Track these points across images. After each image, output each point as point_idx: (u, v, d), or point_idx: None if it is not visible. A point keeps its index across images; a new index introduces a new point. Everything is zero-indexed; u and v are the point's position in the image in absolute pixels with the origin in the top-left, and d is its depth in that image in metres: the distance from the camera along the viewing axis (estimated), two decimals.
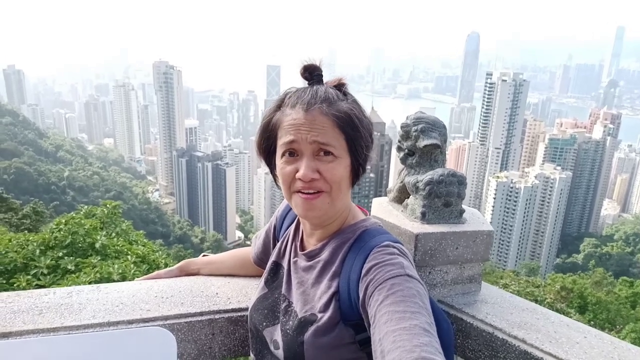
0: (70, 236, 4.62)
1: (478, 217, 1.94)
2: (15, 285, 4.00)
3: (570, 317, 12.26)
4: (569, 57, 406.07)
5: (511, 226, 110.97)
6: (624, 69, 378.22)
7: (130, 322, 1.57)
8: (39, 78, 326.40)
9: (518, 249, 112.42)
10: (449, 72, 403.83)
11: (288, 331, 1.33)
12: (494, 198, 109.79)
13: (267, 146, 1.36)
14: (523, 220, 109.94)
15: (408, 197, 1.96)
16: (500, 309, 1.76)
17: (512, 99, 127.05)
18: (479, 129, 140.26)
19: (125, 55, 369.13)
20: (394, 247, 1.24)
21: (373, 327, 1.07)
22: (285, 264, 1.49)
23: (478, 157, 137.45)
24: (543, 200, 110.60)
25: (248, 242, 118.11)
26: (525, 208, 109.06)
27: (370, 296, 1.14)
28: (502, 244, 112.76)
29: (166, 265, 5.40)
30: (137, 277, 4.44)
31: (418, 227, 1.78)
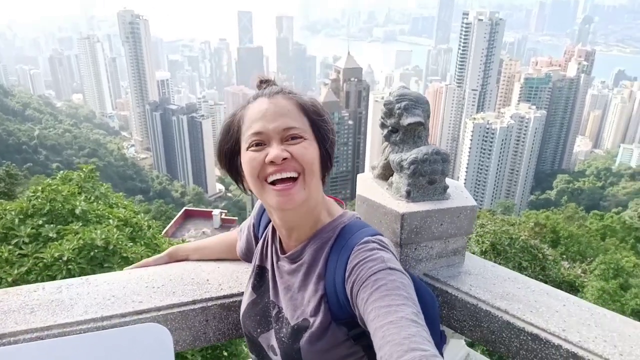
0: (48, 203, 4.56)
1: (462, 192, 1.96)
2: None
3: (544, 251, 12.75)
4: None
5: (487, 166, 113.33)
6: (598, 5, 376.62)
7: (123, 315, 1.55)
8: None
9: (494, 189, 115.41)
10: (425, 12, 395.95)
11: (283, 339, 1.32)
12: (471, 140, 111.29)
13: (228, 149, 1.33)
14: (499, 160, 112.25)
15: (392, 175, 1.97)
16: (484, 280, 1.80)
17: (488, 39, 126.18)
18: (455, 70, 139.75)
19: (88, 5, 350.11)
20: (374, 242, 1.24)
21: (367, 326, 1.08)
22: (269, 267, 1.47)
23: (455, 100, 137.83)
24: (518, 140, 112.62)
25: (229, 194, 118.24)
26: (501, 148, 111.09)
27: (357, 296, 1.14)
28: (478, 184, 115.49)
29: (149, 227, 5.42)
30: (121, 240, 4.46)
31: (404, 207, 1.80)
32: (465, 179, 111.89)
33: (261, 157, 1.22)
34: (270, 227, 1.52)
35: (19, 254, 4.08)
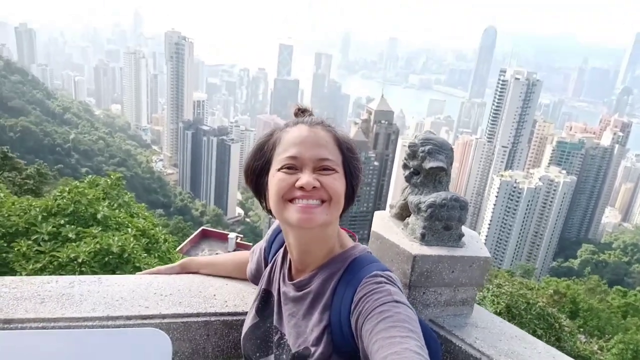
0: (73, 205, 4.66)
1: (477, 242, 1.96)
2: (15, 249, 4.04)
3: (561, 322, 12.27)
4: (584, 60, 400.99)
5: (510, 225, 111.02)
6: (639, 77, 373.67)
7: (128, 317, 1.59)
8: (51, 38, 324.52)
9: (515, 249, 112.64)
10: (463, 65, 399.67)
11: None
12: (496, 196, 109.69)
13: (258, 166, 1.35)
14: (523, 221, 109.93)
15: (409, 215, 1.98)
16: (490, 335, 1.78)
17: (523, 98, 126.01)
18: (487, 125, 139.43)
19: (138, 22, 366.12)
20: (382, 276, 1.24)
21: (370, 357, 1.08)
22: (275, 292, 1.47)
23: (484, 154, 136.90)
24: (545, 203, 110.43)
25: (248, 220, 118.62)
26: (527, 209, 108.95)
27: (362, 327, 1.14)
28: (499, 243, 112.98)
29: (165, 241, 5.45)
30: (136, 250, 4.49)
31: (417, 248, 1.80)
32: (486, 235, 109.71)
33: (291, 181, 1.24)
34: (280, 252, 1.53)
35: (36, 250, 4.14)
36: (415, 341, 1.04)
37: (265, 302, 1.50)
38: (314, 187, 1.23)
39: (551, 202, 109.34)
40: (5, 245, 4.19)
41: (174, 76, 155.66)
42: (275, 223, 1.57)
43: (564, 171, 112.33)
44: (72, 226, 4.43)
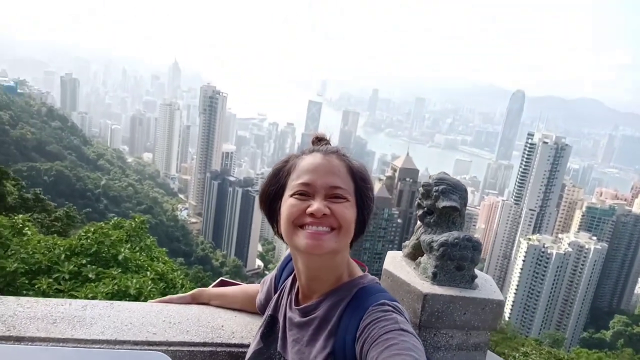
0: (96, 245, 4.74)
1: (490, 285, 1.93)
2: (36, 287, 4.11)
3: None
4: (614, 126, 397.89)
5: (539, 292, 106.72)
6: None
7: (135, 343, 1.61)
8: (93, 87, 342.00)
9: (544, 317, 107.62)
10: (490, 127, 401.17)
11: None
12: (524, 260, 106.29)
13: (272, 191, 1.38)
14: (552, 288, 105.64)
15: (422, 255, 1.97)
16: None
17: (552, 162, 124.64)
18: (514, 188, 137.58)
19: (176, 75, 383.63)
20: (389, 305, 1.24)
21: None
22: (281, 318, 1.48)
23: (511, 217, 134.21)
24: (575, 269, 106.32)
25: (266, 272, 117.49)
26: (556, 275, 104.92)
27: (367, 354, 1.13)
28: (527, 309, 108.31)
29: (182, 286, 5.45)
30: (153, 294, 4.50)
31: (428, 287, 1.78)
32: (513, 301, 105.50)
33: (302, 207, 1.26)
34: (289, 279, 1.54)
35: (56, 288, 4.19)
36: None
37: (270, 328, 1.50)
38: (324, 215, 1.24)
39: (581, 269, 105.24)
40: (27, 282, 4.27)
41: (206, 128, 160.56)
42: (288, 252, 1.58)
43: (594, 237, 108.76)
44: (93, 266, 4.49)
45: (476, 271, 1.87)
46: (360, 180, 1.33)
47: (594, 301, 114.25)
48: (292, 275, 1.53)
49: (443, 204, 1.83)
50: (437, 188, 1.87)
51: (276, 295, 1.58)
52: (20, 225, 5.01)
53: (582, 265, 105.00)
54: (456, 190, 1.86)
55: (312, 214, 1.24)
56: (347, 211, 1.27)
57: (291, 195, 1.29)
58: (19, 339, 1.51)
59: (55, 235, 7.41)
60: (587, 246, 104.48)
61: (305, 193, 1.27)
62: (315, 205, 1.24)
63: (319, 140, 1.45)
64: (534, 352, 14.59)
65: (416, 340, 1.13)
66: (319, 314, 1.34)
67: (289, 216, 1.28)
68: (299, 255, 1.35)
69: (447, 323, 1.76)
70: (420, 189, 1.97)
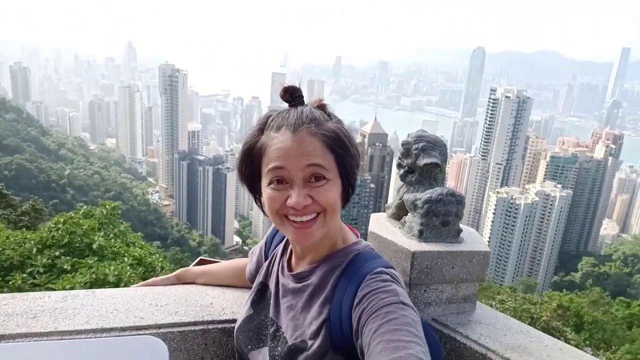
0: (67, 236, 4.63)
1: (475, 237, 1.93)
2: (10, 283, 4.00)
3: (566, 335, 12.16)
4: (573, 76, 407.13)
5: (509, 242, 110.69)
6: (627, 90, 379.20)
7: (123, 329, 1.57)
8: (45, 75, 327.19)
9: (516, 266, 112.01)
10: (454, 86, 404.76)
11: (277, 358, 1.30)
12: (494, 213, 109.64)
13: (250, 172, 1.32)
14: (522, 237, 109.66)
15: (406, 214, 1.95)
16: (494, 330, 1.74)
17: (515, 116, 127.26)
18: (481, 143, 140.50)
19: (132, 56, 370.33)
20: (387, 274, 1.22)
21: (367, 356, 1.05)
22: (272, 285, 1.46)
23: (479, 172, 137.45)
24: (542, 218, 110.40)
25: (245, 248, 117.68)
26: (525, 224, 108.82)
27: (364, 325, 1.12)
28: (500, 260, 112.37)
29: (162, 269, 5.40)
30: (133, 279, 4.44)
31: (415, 245, 1.77)
32: None
33: (282, 199, 1.21)
34: (280, 246, 1.52)
35: (32, 283, 4.10)
36: (420, 347, 1.03)
37: (261, 295, 1.48)
38: (305, 206, 1.20)
39: (549, 216, 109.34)
40: (0, 280, 4.15)
41: (169, 108, 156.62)
42: None
43: (559, 185, 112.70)
44: (68, 257, 4.39)
45: (460, 225, 1.86)
46: (339, 148, 1.24)
47: (562, 246, 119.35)
48: (284, 242, 1.51)
49: (424, 161, 1.82)
50: (416, 146, 1.85)
51: (266, 262, 1.55)
52: None
53: (549, 213, 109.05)
54: (436, 146, 1.85)
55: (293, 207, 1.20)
56: (329, 193, 1.22)
57: (268, 184, 1.24)
58: None
59: (24, 229, 7.19)
60: (552, 194, 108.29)
61: (282, 179, 1.21)
62: (294, 197, 1.19)
63: (287, 93, 1.32)
64: (509, 299, 15.20)
65: (414, 314, 1.12)
66: (314, 280, 1.32)
67: (271, 209, 1.24)
68: (290, 240, 1.36)
69: (437, 278, 1.77)
70: (400, 148, 1.95)
